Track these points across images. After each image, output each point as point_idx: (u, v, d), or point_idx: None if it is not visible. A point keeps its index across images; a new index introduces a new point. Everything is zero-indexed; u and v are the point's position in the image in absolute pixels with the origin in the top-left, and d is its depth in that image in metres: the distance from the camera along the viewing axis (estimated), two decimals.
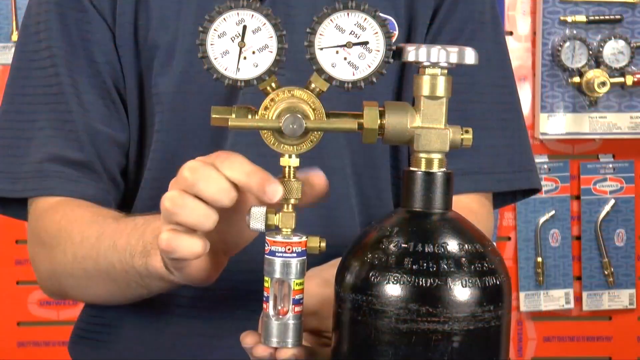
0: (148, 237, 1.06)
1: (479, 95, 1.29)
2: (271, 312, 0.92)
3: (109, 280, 1.15)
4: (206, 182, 0.92)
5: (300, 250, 0.92)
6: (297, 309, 0.92)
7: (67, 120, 1.24)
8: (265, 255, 0.92)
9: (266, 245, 0.92)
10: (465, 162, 1.26)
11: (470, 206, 1.27)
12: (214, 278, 1.02)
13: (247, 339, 0.95)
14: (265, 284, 0.92)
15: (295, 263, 0.91)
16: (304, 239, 0.92)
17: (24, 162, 1.25)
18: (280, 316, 0.92)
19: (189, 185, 0.93)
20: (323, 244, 0.94)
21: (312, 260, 0.98)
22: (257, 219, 0.93)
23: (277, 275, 0.91)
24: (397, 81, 1.28)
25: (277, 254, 0.91)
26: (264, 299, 0.92)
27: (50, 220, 1.22)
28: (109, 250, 1.12)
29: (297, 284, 0.92)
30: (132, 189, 1.29)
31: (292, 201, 0.93)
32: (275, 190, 0.91)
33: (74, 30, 1.25)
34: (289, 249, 0.91)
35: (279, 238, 0.92)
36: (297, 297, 0.92)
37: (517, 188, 1.32)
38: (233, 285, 1.19)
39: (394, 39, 0.92)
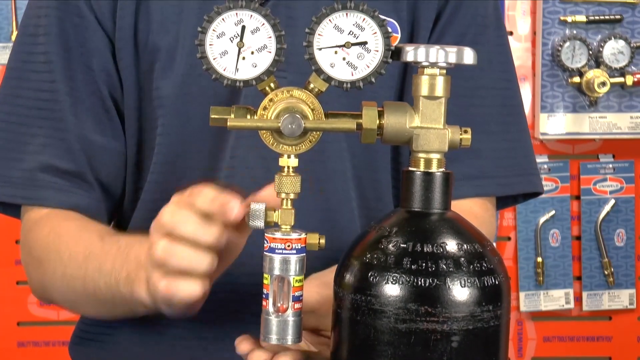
0: (131, 265, 1.07)
1: (481, 98, 1.29)
2: (271, 309, 0.92)
3: (96, 300, 1.15)
4: (184, 223, 0.96)
5: (299, 247, 0.92)
6: (297, 305, 0.92)
7: (60, 129, 1.23)
8: (265, 252, 0.92)
9: (265, 242, 0.92)
10: (467, 166, 1.26)
11: (473, 210, 1.27)
12: (199, 307, 1.03)
13: (242, 346, 0.95)
14: (265, 281, 0.92)
15: (294, 260, 0.92)
16: (303, 235, 0.92)
17: (15, 167, 1.24)
18: (280, 313, 0.92)
19: (169, 230, 0.96)
20: (322, 241, 0.94)
21: (312, 264, 0.97)
22: (256, 216, 0.93)
23: (277, 272, 0.91)
24: (399, 82, 1.28)
25: (276, 250, 0.91)
26: (264, 296, 0.92)
27: (39, 235, 1.22)
28: (95, 272, 1.13)
29: (296, 280, 0.92)
30: (132, 193, 1.28)
31: (292, 196, 0.93)
32: (232, 208, 0.94)
33: (72, 36, 1.24)
34: (288, 246, 0.91)
35: (278, 235, 0.92)
36: (296, 294, 0.92)
37: (520, 192, 1.32)
38: (233, 288, 1.19)
39: (396, 42, 0.92)
